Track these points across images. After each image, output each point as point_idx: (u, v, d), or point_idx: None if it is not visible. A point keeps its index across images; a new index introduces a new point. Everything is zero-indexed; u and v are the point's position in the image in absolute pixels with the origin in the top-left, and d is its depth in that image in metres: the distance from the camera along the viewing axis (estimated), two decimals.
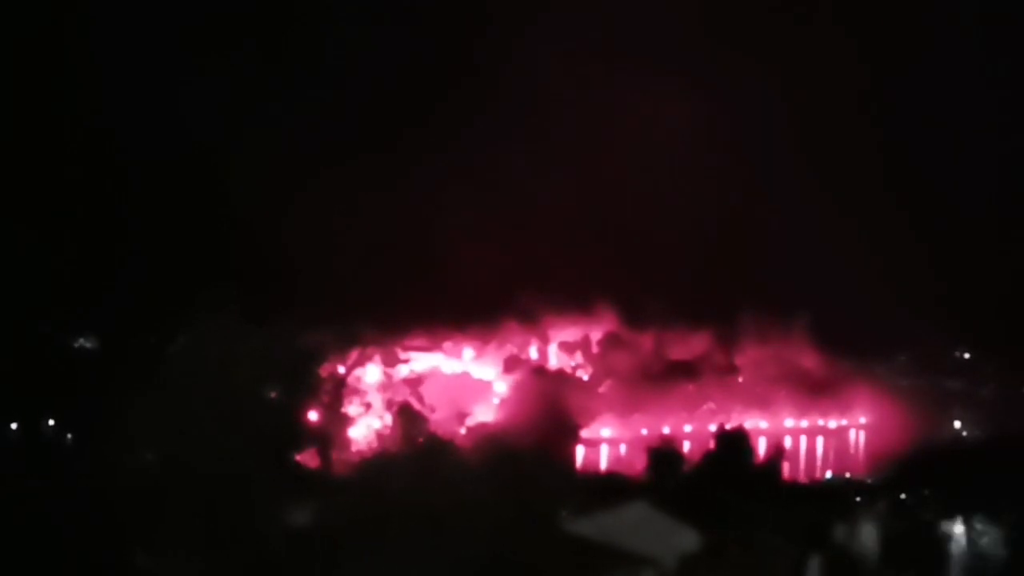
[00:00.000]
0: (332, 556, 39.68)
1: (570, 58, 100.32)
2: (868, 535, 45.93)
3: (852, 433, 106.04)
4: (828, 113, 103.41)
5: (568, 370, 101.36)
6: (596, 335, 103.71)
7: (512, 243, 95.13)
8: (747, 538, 44.34)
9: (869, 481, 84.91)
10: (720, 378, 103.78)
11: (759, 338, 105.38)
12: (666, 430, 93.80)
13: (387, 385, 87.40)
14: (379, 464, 46.32)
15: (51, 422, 65.77)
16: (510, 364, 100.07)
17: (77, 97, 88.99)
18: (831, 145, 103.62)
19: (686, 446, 74.49)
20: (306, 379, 48.20)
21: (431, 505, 39.51)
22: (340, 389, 64.82)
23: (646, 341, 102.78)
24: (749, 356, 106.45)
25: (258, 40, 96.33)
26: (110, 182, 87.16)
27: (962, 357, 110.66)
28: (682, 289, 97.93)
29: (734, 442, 64.82)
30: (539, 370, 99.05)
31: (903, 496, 65.64)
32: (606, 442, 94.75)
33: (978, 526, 47.78)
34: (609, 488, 55.85)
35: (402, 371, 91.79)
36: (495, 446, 47.40)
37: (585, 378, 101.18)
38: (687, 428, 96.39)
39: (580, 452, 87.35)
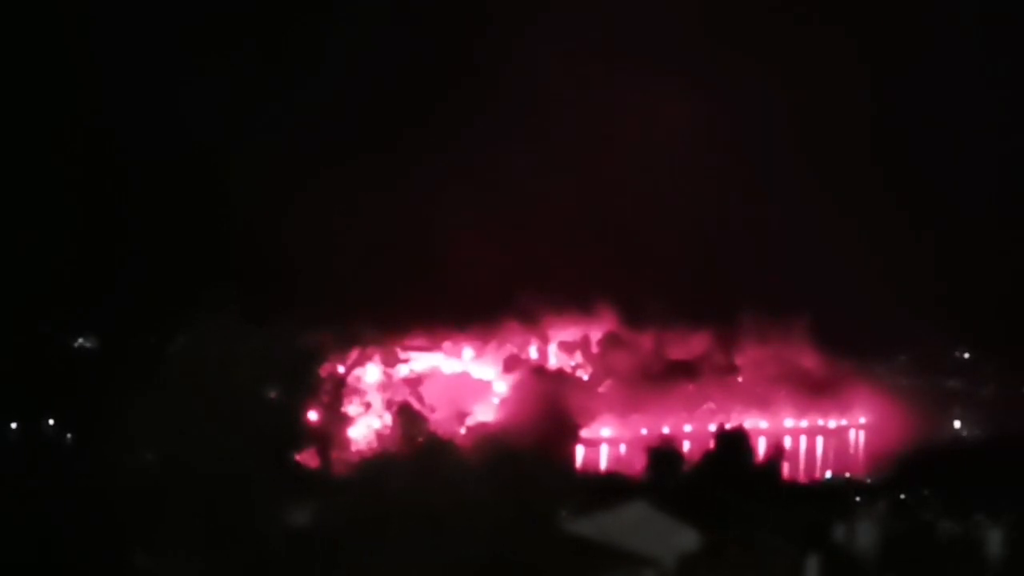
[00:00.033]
0: (332, 556, 39.69)
1: (570, 58, 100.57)
2: (868, 535, 45.96)
3: (852, 433, 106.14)
4: (828, 114, 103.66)
5: (568, 370, 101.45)
6: (596, 335, 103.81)
7: (512, 243, 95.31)
8: (747, 538, 44.32)
9: (869, 481, 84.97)
10: (720, 378, 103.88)
11: (759, 338, 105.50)
12: (666, 430, 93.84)
13: (387, 385, 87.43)
14: (379, 464, 46.26)
15: (51, 422, 65.86)
16: (510, 364, 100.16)
17: (78, 98, 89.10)
18: (831, 145, 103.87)
19: (686, 446, 74.49)
20: (306, 379, 48.10)
21: (431, 505, 39.49)
22: (340, 389, 64.78)
23: (646, 341, 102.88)
24: (749, 356, 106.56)
25: (258, 40, 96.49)
26: (110, 182, 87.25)
27: (962, 357, 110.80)
28: (682, 289, 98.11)
29: (734, 442, 64.79)
30: (539, 370, 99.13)
31: (903, 496, 65.70)
32: (606, 442, 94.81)
33: (978, 526, 47.81)
34: (609, 488, 55.86)
35: (402, 371, 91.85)
36: (495, 446, 47.37)
37: (585, 378, 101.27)
38: (687, 428, 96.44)
39: (580, 452, 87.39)
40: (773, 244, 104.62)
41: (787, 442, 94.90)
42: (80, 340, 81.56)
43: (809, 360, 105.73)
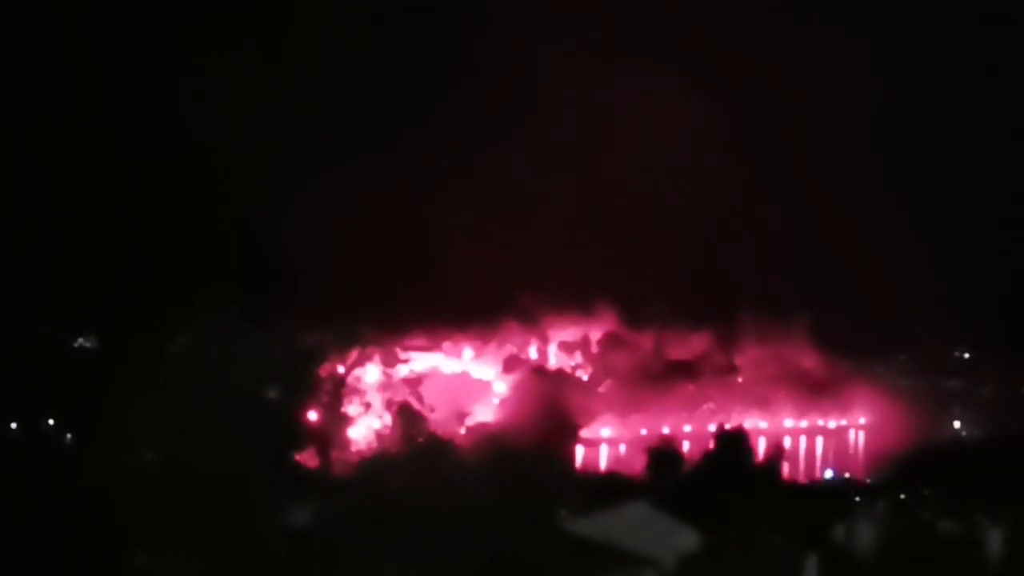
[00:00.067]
0: (332, 556, 39.69)
1: (570, 58, 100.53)
2: (868, 535, 45.97)
3: (852, 433, 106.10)
4: (828, 114, 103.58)
5: (568, 370, 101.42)
6: (596, 335, 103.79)
7: (512, 243, 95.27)
8: (747, 538, 44.34)
9: (869, 481, 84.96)
10: (720, 378, 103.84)
11: (759, 338, 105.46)
12: (666, 430, 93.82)
13: (387, 385, 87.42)
14: (379, 464, 46.27)
15: (51, 422, 65.81)
16: (510, 364, 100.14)
17: (78, 98, 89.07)
18: (831, 146, 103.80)
19: (686, 446, 74.47)
20: (306, 379, 48.14)
21: (431, 505, 39.50)
22: (340, 389, 64.78)
23: (646, 341, 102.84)
24: (749, 356, 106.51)
25: (258, 40, 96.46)
26: (110, 182, 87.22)
27: (962, 357, 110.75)
28: (682, 289, 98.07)
29: (734, 442, 64.75)
30: (539, 370, 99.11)
31: (903, 496, 65.68)
32: (606, 442, 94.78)
33: (978, 526, 47.79)
34: (609, 488, 55.86)
35: (402, 371, 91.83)
36: (495, 446, 47.37)
37: (585, 378, 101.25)
38: (687, 428, 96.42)
39: (580, 452, 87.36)
40: (773, 244, 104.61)
41: (787, 442, 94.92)
42: (80, 340, 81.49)
43: (809, 360, 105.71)
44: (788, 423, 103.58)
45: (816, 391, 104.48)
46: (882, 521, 48.55)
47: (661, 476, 59.30)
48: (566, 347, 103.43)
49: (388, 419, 72.26)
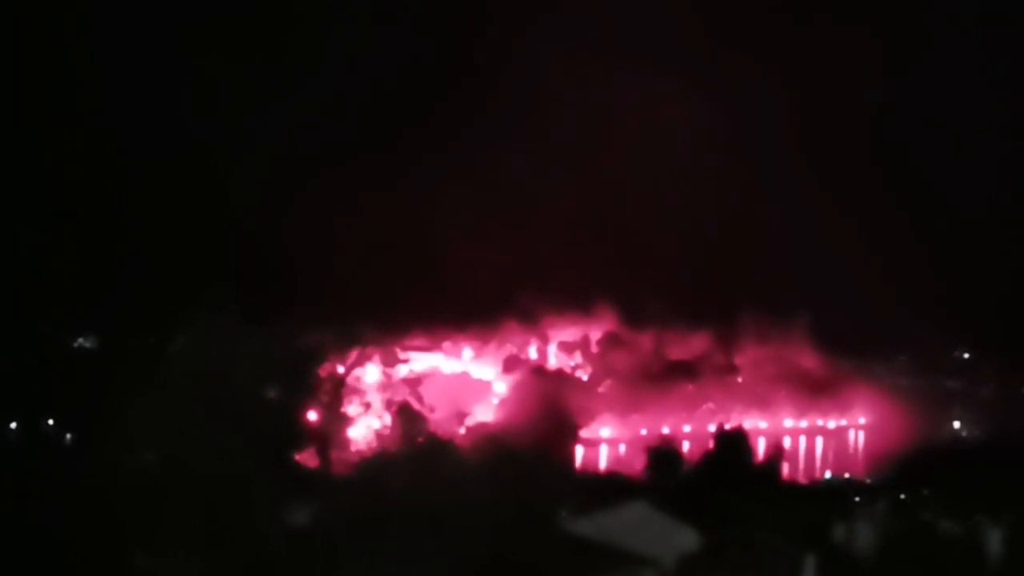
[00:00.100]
0: (332, 556, 39.70)
1: (570, 58, 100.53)
2: (868, 535, 45.95)
3: (852, 433, 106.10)
4: (828, 114, 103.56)
5: (568, 370, 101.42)
6: (596, 335, 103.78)
7: (512, 243, 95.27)
8: (747, 538, 44.33)
9: (869, 481, 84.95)
10: (720, 378, 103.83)
11: (759, 338, 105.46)
12: (666, 430, 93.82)
13: (387, 385, 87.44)
14: (379, 464, 46.29)
15: (51, 422, 65.81)
16: (510, 364, 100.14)
17: (77, 98, 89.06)
18: (831, 146, 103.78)
19: (686, 446, 74.45)
20: (306, 379, 48.15)
21: (431, 505, 39.50)
22: (340, 389, 64.84)
23: (646, 341, 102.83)
24: (749, 356, 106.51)
25: (258, 40, 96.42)
26: (110, 182, 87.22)
27: (962, 357, 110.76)
28: (682, 289, 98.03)
29: (734, 442, 64.70)
30: (539, 370, 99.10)
31: (903, 496, 65.66)
32: (606, 442, 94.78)
33: (978, 526, 47.78)
34: (609, 488, 55.86)
35: (402, 371, 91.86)
36: (495, 446, 47.38)
37: (585, 378, 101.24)
38: (687, 428, 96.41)
39: (580, 452, 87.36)
40: (773, 244, 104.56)
41: (787, 442, 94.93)
42: (80, 340, 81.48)
43: (809, 360, 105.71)
44: (788, 423, 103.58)
45: (816, 391, 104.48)
46: (882, 521, 48.53)
47: (661, 476, 59.25)
48: (566, 347, 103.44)
49: (388, 419, 72.35)
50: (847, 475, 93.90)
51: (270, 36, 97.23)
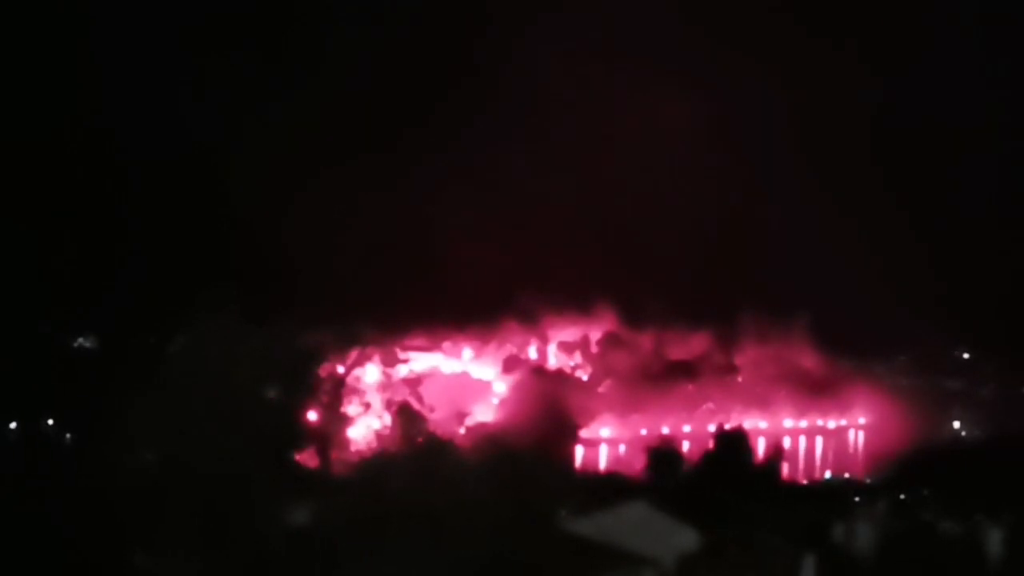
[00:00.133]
0: (332, 556, 39.70)
1: (570, 58, 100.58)
2: (868, 535, 45.98)
3: (852, 433, 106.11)
4: (828, 113, 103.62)
5: (567, 370, 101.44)
6: (596, 335, 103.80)
7: (512, 243, 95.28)
8: (747, 538, 44.37)
9: (869, 481, 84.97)
10: (719, 378, 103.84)
11: (759, 338, 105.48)
12: (666, 430, 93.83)
13: (387, 385, 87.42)
14: (379, 464, 46.28)
15: (51, 422, 65.79)
16: (510, 364, 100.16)
17: (78, 98, 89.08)
18: (831, 145, 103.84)
19: (686, 446, 74.49)
20: (306, 379, 48.13)
21: (431, 505, 39.50)
22: (340, 389, 64.79)
23: (645, 341, 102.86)
24: (749, 356, 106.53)
25: (258, 40, 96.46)
26: (110, 182, 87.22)
27: (962, 357, 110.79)
28: (682, 289, 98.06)
29: (733, 442, 64.81)
30: (538, 370, 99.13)
31: (903, 496, 65.68)
32: (606, 442, 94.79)
33: (978, 526, 47.80)
34: (609, 488, 55.89)
35: (402, 371, 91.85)
36: (494, 446, 47.38)
37: (584, 378, 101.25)
38: (686, 428, 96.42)
39: (580, 452, 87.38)
40: (773, 244, 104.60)
41: (787, 442, 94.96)
42: (80, 340, 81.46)
43: (809, 360, 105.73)
44: (788, 423, 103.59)
45: (816, 391, 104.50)
46: (882, 521, 48.56)
47: (661, 476, 59.32)
48: (566, 347, 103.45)
49: (388, 419, 72.28)
50: (847, 475, 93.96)
51: (270, 36, 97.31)
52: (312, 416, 51.28)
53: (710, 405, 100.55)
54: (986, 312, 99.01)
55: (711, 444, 66.14)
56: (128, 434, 43.20)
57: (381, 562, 38.78)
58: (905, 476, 74.02)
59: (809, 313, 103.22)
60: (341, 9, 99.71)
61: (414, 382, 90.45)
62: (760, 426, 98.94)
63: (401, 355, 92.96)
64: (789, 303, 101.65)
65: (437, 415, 77.33)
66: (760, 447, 75.09)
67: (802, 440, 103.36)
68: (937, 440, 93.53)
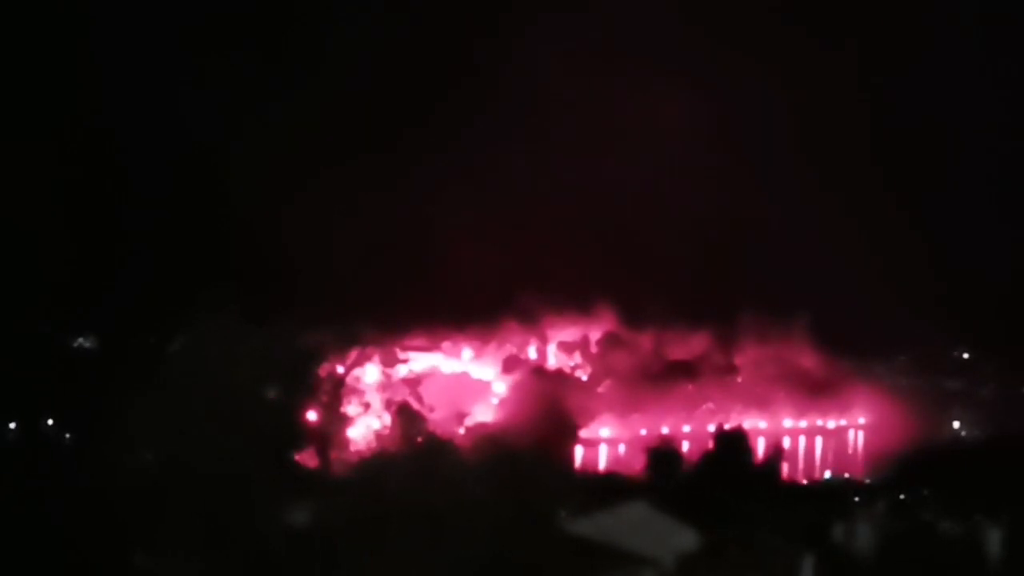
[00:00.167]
0: (332, 556, 39.71)
1: (570, 58, 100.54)
2: (867, 535, 45.99)
3: (851, 433, 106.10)
4: (828, 113, 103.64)
5: (567, 370, 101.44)
6: (595, 335, 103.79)
7: (512, 243, 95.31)
8: (747, 538, 44.39)
9: (869, 481, 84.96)
10: (719, 378, 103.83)
11: (758, 338, 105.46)
12: (665, 430, 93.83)
13: (386, 385, 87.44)
14: (379, 464, 46.26)
15: (51, 422, 65.79)
16: (509, 364, 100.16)
17: (78, 98, 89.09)
18: (831, 145, 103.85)
19: (685, 446, 74.49)
20: (306, 379, 48.14)
21: (431, 505, 39.51)
22: (340, 389, 64.82)
23: (645, 341, 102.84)
24: (749, 356, 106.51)
25: (258, 40, 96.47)
26: (111, 182, 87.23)
27: (962, 357, 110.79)
28: (682, 289, 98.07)
29: (733, 442, 64.80)
30: (538, 370, 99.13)
31: (903, 496, 65.66)
32: (605, 442, 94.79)
33: (978, 526, 47.81)
34: (609, 488, 55.90)
35: (401, 371, 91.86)
36: (494, 446, 47.38)
37: (584, 378, 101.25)
38: (686, 428, 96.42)
39: (579, 452, 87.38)
40: (773, 244, 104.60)
41: (787, 442, 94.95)
42: (80, 340, 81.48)
43: (809, 360, 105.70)
44: (788, 423, 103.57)
45: (816, 391, 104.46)
46: (882, 521, 48.58)
47: (661, 476, 59.32)
48: (566, 347, 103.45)
49: (388, 419, 72.31)
50: (847, 475, 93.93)
51: (270, 36, 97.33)
52: (312, 416, 51.29)
53: (710, 405, 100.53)
54: (986, 312, 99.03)
55: (711, 444, 66.12)
56: (128, 434, 43.19)
57: (381, 562, 38.78)
58: (905, 476, 73.97)
59: (809, 313, 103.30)
60: (341, 9, 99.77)
61: (414, 382, 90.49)
62: (760, 426, 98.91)
63: (401, 355, 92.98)
64: (789, 303, 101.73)
65: (437, 415, 77.43)
66: (760, 447, 75.09)
67: (802, 440, 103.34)
68: (937, 440, 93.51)
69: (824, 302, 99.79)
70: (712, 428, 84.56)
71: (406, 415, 73.51)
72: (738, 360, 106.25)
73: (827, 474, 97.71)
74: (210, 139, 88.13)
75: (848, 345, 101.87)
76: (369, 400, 77.11)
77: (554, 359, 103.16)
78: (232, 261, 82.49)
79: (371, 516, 39.70)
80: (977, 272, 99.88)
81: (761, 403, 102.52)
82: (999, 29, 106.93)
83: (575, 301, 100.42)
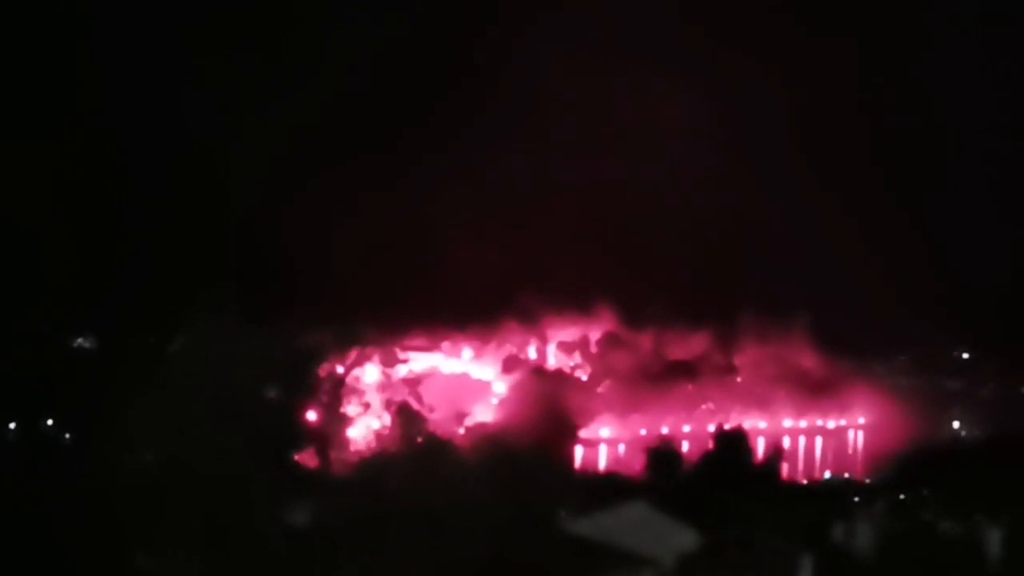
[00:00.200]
0: (332, 556, 39.73)
1: (570, 58, 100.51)
2: (867, 535, 46.00)
3: (851, 433, 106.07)
4: (828, 113, 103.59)
5: (567, 370, 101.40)
6: (595, 335, 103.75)
7: (512, 244, 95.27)
8: (747, 538, 44.38)
9: (868, 481, 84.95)
10: (719, 378, 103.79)
11: (758, 338, 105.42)
12: (665, 430, 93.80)
13: (386, 385, 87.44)
14: (379, 464, 46.30)
15: (51, 422, 65.78)
16: (509, 364, 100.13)
17: (78, 98, 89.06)
18: (831, 145, 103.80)
19: (685, 446, 74.46)
20: (306, 379, 48.19)
21: (431, 505, 39.53)
22: (340, 389, 64.87)
23: (645, 341, 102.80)
24: (748, 356, 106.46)
25: (258, 40, 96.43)
26: (111, 182, 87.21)
27: (962, 357, 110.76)
28: (682, 289, 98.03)
29: (733, 442, 64.76)
30: (538, 370, 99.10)
31: (903, 496, 65.64)
32: (605, 442, 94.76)
33: (978, 526, 47.81)
34: (609, 488, 55.89)
35: (401, 371, 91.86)
36: (494, 446, 47.40)
37: (584, 378, 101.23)
38: (686, 428, 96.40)
39: (579, 452, 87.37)
40: (773, 244, 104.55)
41: (786, 442, 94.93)
42: (80, 340, 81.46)
43: (809, 360, 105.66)
44: (788, 423, 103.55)
45: (816, 391, 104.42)
46: (882, 521, 48.56)
47: (660, 476, 59.29)
48: (565, 347, 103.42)
49: (388, 419, 72.34)
50: (847, 475, 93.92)
51: (270, 35, 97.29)
52: (312, 416, 51.32)
53: (710, 405, 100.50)
54: (986, 312, 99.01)
55: (711, 444, 66.09)
56: (128, 434, 43.22)
57: (381, 562, 38.79)
58: (905, 476, 73.95)
59: (809, 313, 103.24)
60: (341, 9, 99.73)
61: (414, 382, 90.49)
62: (760, 426, 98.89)
63: (401, 355, 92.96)
64: (789, 303, 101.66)
65: (437, 415, 77.43)
66: (760, 447, 75.06)
67: (802, 440, 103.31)
68: (937, 440, 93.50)
69: (824, 302, 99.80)
70: (712, 428, 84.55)
71: (406, 415, 73.53)
72: (738, 360, 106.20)
73: (827, 474, 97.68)
74: (210, 139, 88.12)
75: (848, 345, 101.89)
76: (369, 400, 77.23)
77: (554, 359, 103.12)
78: (232, 261, 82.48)
79: (371, 516, 39.72)
80: (977, 272, 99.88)
81: (761, 403, 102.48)
82: (999, 29, 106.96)
83: (575, 301, 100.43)
